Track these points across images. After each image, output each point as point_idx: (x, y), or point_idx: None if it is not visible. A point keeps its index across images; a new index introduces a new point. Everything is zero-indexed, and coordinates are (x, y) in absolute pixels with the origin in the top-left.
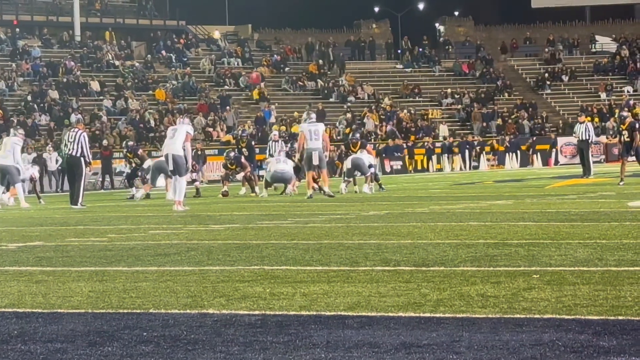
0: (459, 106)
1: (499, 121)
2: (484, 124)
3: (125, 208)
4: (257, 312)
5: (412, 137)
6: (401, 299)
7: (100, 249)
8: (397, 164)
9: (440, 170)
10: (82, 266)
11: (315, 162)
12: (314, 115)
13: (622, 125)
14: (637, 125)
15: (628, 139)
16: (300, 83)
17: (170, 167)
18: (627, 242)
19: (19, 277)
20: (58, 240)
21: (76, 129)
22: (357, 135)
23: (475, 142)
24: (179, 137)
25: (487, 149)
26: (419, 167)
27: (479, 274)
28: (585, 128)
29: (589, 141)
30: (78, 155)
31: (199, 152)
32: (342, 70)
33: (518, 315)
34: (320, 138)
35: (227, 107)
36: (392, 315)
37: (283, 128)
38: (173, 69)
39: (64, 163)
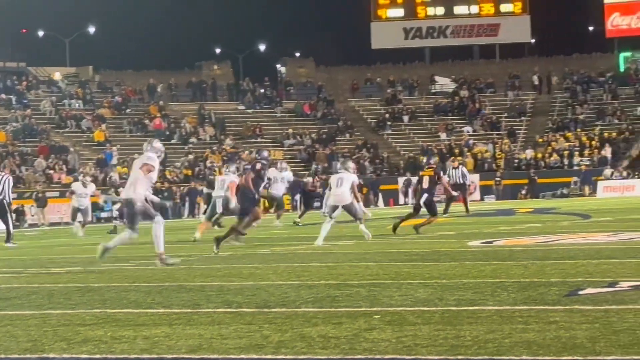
0: (301, 147)
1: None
2: (326, 165)
3: None
4: (98, 356)
5: None
6: (243, 340)
7: None
8: None
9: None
10: None
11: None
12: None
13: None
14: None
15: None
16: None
17: None
18: (466, 282)
19: None
20: None
21: (2, 174)
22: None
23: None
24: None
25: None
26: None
27: (320, 315)
28: (461, 172)
29: (466, 184)
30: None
31: (39, 195)
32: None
33: (359, 356)
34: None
35: (71, 149)
36: (234, 357)
37: (125, 170)
38: (13, 110)
39: None
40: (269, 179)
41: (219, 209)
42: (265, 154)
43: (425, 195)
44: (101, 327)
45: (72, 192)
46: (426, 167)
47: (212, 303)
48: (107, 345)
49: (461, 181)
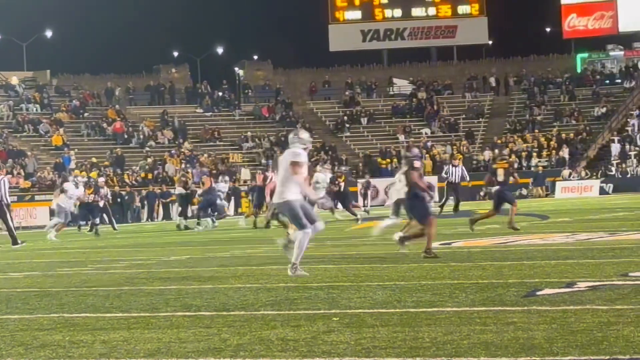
0: (260, 150)
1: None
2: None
3: None
4: None
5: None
6: (202, 344)
7: None
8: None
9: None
10: None
11: None
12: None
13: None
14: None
15: None
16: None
17: None
18: (425, 284)
19: None
20: None
21: None
22: None
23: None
24: None
25: None
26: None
27: (279, 318)
28: (461, 170)
29: (458, 182)
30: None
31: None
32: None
33: (318, 359)
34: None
35: (28, 154)
36: None
37: (84, 174)
38: None
39: None
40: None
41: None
42: (416, 150)
43: (498, 188)
44: (59, 331)
45: (63, 191)
46: (499, 159)
47: (171, 307)
48: (65, 349)
49: (458, 180)
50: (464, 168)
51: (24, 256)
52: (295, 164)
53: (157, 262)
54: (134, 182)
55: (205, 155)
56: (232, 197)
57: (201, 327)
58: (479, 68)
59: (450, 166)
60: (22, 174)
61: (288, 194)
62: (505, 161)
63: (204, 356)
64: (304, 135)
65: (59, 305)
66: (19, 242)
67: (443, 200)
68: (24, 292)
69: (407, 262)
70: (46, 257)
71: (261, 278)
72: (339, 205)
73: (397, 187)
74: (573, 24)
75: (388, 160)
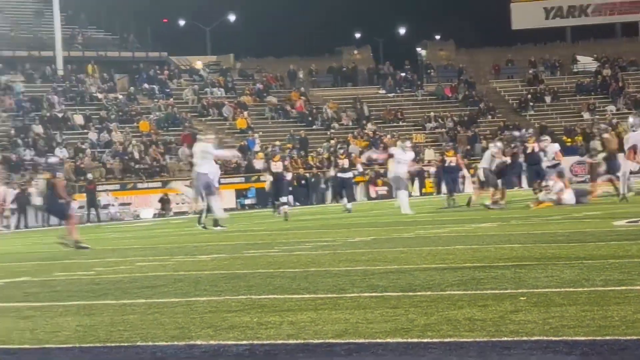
0: (443, 130)
1: (484, 144)
2: (469, 147)
3: (113, 240)
4: (244, 342)
5: None
6: (388, 324)
7: (87, 282)
8: (383, 190)
9: (429, 194)
10: (69, 300)
11: None
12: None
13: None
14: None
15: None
16: (283, 111)
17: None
18: (613, 262)
19: (7, 314)
20: (44, 275)
21: None
22: None
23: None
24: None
25: (472, 171)
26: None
27: (465, 298)
28: None
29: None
30: None
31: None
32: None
33: (505, 338)
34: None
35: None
36: (379, 341)
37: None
38: (156, 100)
39: None
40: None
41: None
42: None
43: None
44: (247, 313)
45: (390, 156)
46: None
47: (357, 287)
48: (254, 331)
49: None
50: None
51: (212, 239)
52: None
53: (342, 244)
54: (317, 164)
55: (389, 136)
56: (417, 178)
57: (388, 308)
58: None
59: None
60: None
61: None
62: None
63: (391, 336)
64: None
65: (246, 287)
66: (221, 226)
67: None
68: (212, 275)
69: (593, 240)
70: (232, 240)
71: (446, 258)
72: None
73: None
74: None
75: (572, 138)
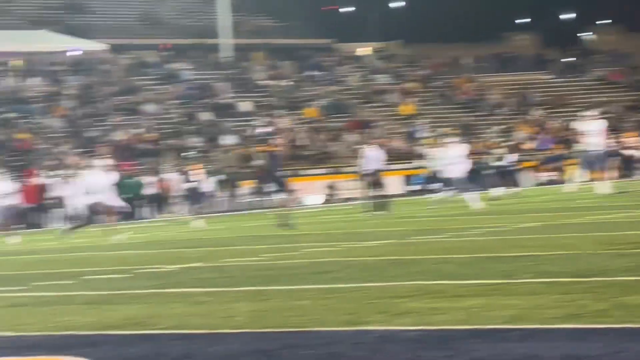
0: (611, 115)
1: None
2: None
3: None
4: (416, 328)
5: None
6: (560, 310)
7: (258, 268)
8: (552, 174)
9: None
10: (242, 286)
11: None
12: None
13: None
14: None
15: None
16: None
17: None
18: None
19: (181, 299)
20: (215, 261)
21: None
22: None
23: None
24: None
25: None
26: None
27: (638, 284)
28: None
29: None
30: None
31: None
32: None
33: None
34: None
35: (377, 124)
36: (552, 327)
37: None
38: (322, 87)
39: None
40: None
41: None
42: None
43: None
44: (418, 299)
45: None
46: None
47: (528, 273)
48: (425, 317)
49: None
50: None
51: (379, 225)
52: None
53: (511, 230)
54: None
55: (556, 121)
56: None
57: (559, 294)
58: None
59: None
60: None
61: None
62: None
63: (563, 322)
64: None
65: (416, 272)
66: (387, 210)
67: None
68: (382, 260)
69: None
70: (400, 226)
71: (618, 244)
72: None
73: None
74: None
75: None
